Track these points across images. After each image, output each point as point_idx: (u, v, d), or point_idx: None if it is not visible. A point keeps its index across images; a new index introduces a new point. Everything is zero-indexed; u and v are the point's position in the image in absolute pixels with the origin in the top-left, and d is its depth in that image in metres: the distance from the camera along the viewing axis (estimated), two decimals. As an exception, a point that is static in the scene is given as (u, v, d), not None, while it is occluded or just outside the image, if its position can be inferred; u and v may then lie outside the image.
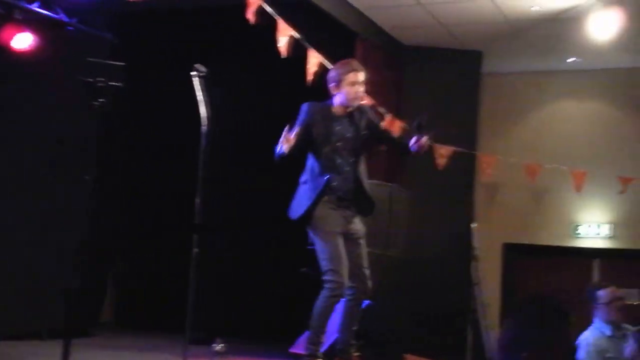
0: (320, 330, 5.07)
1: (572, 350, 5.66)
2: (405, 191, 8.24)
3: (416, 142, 4.99)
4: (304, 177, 5.15)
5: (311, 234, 5.11)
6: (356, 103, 5.14)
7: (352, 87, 5.07)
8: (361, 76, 5.11)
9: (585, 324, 5.95)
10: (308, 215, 5.04)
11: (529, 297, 9.21)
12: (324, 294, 4.98)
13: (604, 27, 7.54)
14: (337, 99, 5.13)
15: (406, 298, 8.02)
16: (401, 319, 7.80)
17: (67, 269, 6.46)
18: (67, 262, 6.68)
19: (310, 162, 5.13)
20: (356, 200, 5.14)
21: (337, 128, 5.09)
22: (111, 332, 8.59)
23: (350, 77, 5.06)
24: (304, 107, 5.13)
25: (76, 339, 4.56)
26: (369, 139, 5.22)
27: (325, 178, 5.01)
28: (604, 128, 9.76)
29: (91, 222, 5.23)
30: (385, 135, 5.45)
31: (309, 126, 5.04)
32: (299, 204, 5.10)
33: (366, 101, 5.36)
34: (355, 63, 5.22)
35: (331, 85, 5.15)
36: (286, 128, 4.84)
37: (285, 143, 4.81)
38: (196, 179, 4.69)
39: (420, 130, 4.97)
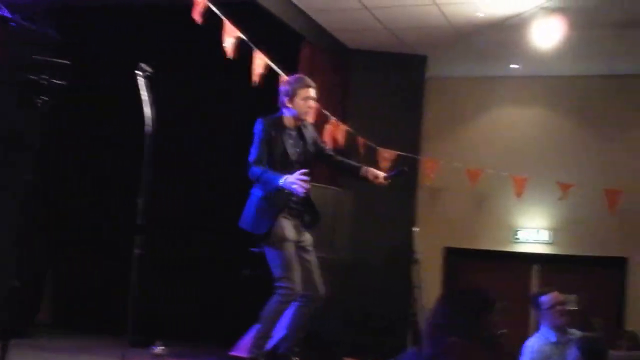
0: (267, 334, 5.10)
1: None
2: (349, 194, 8.25)
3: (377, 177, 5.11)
4: (260, 190, 5.13)
5: (264, 241, 5.12)
6: (307, 118, 5.27)
7: (304, 102, 5.18)
8: (313, 92, 5.23)
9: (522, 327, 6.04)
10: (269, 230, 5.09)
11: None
12: (276, 299, 5.03)
13: (546, 35, 7.66)
14: (288, 113, 5.21)
15: (348, 301, 8.03)
16: (342, 322, 7.81)
17: (3, 268, 6.30)
18: (3, 261, 6.51)
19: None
20: (306, 211, 5.27)
21: (290, 142, 5.20)
22: (49, 334, 8.40)
23: (304, 92, 5.17)
24: (260, 124, 5.17)
25: (13, 339, 4.45)
26: (313, 154, 5.35)
27: (286, 194, 5.04)
28: (545, 134, 9.94)
29: (28, 220, 5.12)
30: (325, 154, 5.55)
31: (268, 142, 5.11)
32: (260, 220, 5.11)
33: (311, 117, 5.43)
34: (308, 79, 5.31)
35: (284, 99, 5.22)
36: (301, 172, 4.93)
37: (301, 187, 4.87)
38: (139, 179, 4.62)
39: (394, 176, 5.09)
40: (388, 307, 8.59)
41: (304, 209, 5.25)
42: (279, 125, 5.18)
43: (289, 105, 5.18)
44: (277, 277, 5.03)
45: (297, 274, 5.03)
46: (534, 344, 5.60)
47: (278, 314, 5.06)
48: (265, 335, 5.10)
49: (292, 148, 5.18)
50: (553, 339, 5.53)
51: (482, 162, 9.32)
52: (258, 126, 5.16)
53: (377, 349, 7.80)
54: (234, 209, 5.42)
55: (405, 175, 5.31)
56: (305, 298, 5.12)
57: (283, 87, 5.32)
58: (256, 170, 5.01)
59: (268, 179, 5.00)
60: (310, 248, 5.26)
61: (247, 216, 5.17)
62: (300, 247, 5.17)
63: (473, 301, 2.69)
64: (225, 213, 5.30)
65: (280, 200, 5.08)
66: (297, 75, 5.47)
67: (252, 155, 5.08)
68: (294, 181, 4.87)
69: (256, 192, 5.17)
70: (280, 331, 5.29)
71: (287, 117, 5.21)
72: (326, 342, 6.95)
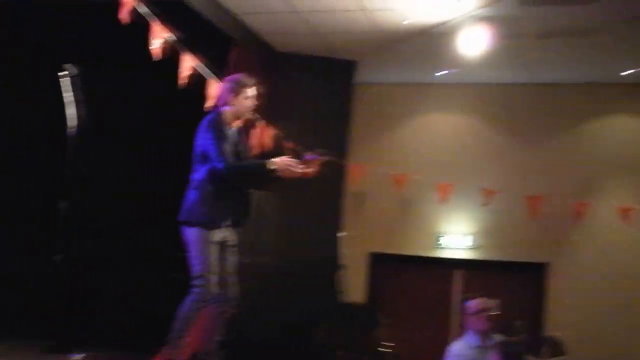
0: (181, 335, 5.00)
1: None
2: (275, 198, 8.21)
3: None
4: (205, 184, 5.05)
5: (189, 238, 5.03)
6: (247, 117, 5.27)
7: (246, 101, 5.16)
8: (255, 91, 5.23)
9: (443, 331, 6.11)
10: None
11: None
12: (190, 298, 4.95)
13: (472, 43, 7.78)
14: (229, 111, 5.16)
15: (273, 305, 7.99)
16: (267, 327, 7.77)
17: None
18: None
19: (207, 171, 5.06)
20: (239, 208, 5.19)
21: (230, 140, 5.12)
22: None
23: (246, 91, 5.17)
24: (211, 121, 5.10)
25: None
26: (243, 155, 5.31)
27: (230, 191, 5.02)
28: (470, 141, 10.10)
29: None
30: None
31: (219, 138, 5.02)
32: (200, 208, 5.00)
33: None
34: (250, 79, 5.28)
35: (225, 97, 5.17)
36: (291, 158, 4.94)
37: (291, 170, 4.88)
38: (63, 181, 4.50)
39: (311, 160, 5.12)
40: (313, 312, 8.56)
41: (238, 206, 5.17)
42: (220, 123, 5.12)
43: (231, 103, 5.15)
44: (194, 275, 4.94)
45: (214, 275, 4.96)
46: (456, 347, 5.68)
47: (192, 313, 4.96)
48: (179, 336, 5.01)
49: (231, 146, 5.12)
50: (476, 343, 5.62)
51: (408, 168, 9.40)
52: (209, 122, 5.09)
53: (303, 353, 7.79)
54: (165, 209, 5.32)
55: (327, 160, 5.22)
56: (219, 299, 5.04)
57: (225, 85, 5.28)
58: (226, 164, 4.92)
59: (250, 166, 5.03)
60: (234, 249, 5.17)
61: (188, 207, 5.07)
62: (224, 247, 5.08)
63: (360, 317, 2.70)
64: (151, 217, 5.19)
65: (225, 197, 5.02)
66: (240, 74, 5.40)
67: (214, 151, 4.97)
68: (284, 164, 4.87)
69: (197, 186, 5.09)
70: (197, 334, 5.20)
71: (228, 115, 5.16)
72: (251, 346, 6.90)
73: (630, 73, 9.08)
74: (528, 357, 6.90)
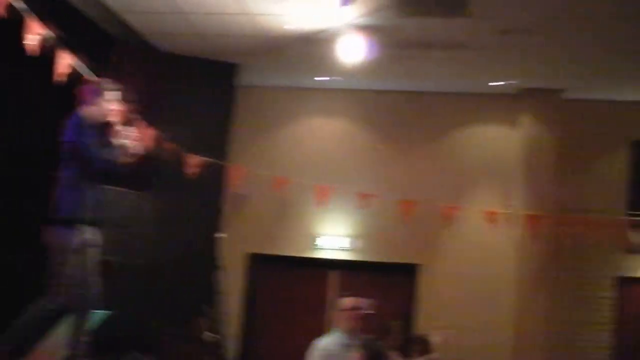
0: (25, 337, 4.93)
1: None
2: (153, 199, 8.16)
3: None
4: (77, 182, 5.02)
5: (54, 237, 4.97)
6: (108, 120, 5.27)
7: (107, 104, 5.23)
8: (116, 95, 5.31)
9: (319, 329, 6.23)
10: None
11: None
12: (43, 300, 4.94)
13: (353, 50, 7.93)
14: (89, 112, 5.17)
15: (149, 307, 7.95)
16: (143, 328, 7.72)
17: None
18: None
19: (74, 170, 5.05)
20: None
21: (95, 139, 5.12)
22: None
23: (107, 94, 5.24)
24: (77, 118, 5.09)
25: None
26: None
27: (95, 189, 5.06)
28: (349, 146, 10.33)
29: None
30: None
31: (81, 135, 5.03)
32: (73, 209, 4.97)
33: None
34: (113, 83, 5.35)
35: (89, 98, 5.20)
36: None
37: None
38: None
39: None
40: (191, 312, 8.55)
41: (101, 206, 5.17)
42: (88, 121, 5.12)
43: (92, 104, 5.19)
44: (52, 276, 4.92)
45: (70, 277, 4.92)
46: (323, 343, 5.76)
47: (44, 316, 4.94)
48: (17, 337, 4.93)
49: (97, 146, 5.13)
50: (342, 340, 5.71)
51: (288, 171, 9.51)
52: (75, 120, 5.09)
53: (179, 354, 7.79)
54: (34, 209, 5.23)
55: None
56: (76, 300, 4.98)
57: (89, 87, 5.32)
58: (92, 158, 4.96)
59: (108, 155, 5.04)
60: (95, 250, 5.11)
61: (55, 205, 5.02)
62: (86, 247, 5.04)
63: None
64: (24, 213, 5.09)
65: (89, 195, 5.02)
66: (102, 78, 5.49)
67: (80, 148, 4.98)
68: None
69: (63, 184, 5.05)
70: (64, 341, 5.14)
71: (93, 115, 5.16)
72: (126, 347, 6.84)
73: (498, 84, 9.55)
74: (396, 355, 7.14)
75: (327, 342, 5.78)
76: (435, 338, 7.76)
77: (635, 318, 9.69)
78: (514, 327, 9.40)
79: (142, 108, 8.19)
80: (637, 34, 7.68)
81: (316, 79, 9.76)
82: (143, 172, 8.41)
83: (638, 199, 9.79)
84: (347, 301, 5.92)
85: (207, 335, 7.79)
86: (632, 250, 9.61)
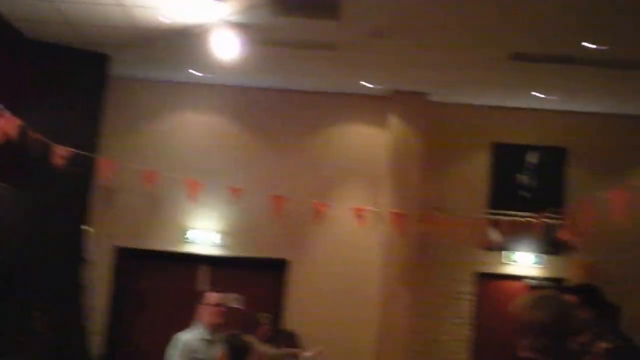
0: None
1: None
2: (17, 191, 7.94)
3: None
4: None
5: None
6: None
7: None
8: None
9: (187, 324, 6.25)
10: None
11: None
12: None
13: (227, 46, 7.96)
14: None
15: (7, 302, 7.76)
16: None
17: None
18: None
19: None
20: None
21: None
22: None
23: None
24: None
25: None
26: None
27: None
28: (221, 141, 10.36)
29: None
30: None
31: None
32: None
33: None
34: None
35: None
36: None
37: None
38: None
39: None
40: (56, 306, 8.39)
41: None
42: None
43: None
44: None
45: None
46: (184, 337, 5.77)
47: None
48: None
49: None
50: (204, 335, 5.74)
51: (160, 164, 9.44)
52: None
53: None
54: None
55: None
56: None
57: None
58: None
59: None
60: None
61: None
62: None
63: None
64: None
65: None
66: None
67: None
68: None
69: None
70: None
71: None
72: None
73: (368, 86, 9.82)
74: (264, 348, 7.23)
75: (188, 337, 5.79)
76: (306, 355, 7.87)
77: (492, 313, 10.13)
78: (379, 321, 9.69)
79: (7, 97, 7.97)
80: (495, 42, 8.09)
81: (190, 72, 9.74)
82: (6, 163, 8.23)
83: (497, 199, 10.26)
84: (211, 296, 5.95)
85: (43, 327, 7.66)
86: (490, 247, 10.06)
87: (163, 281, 10.20)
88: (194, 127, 10.43)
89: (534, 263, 10.22)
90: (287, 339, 8.50)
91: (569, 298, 2.79)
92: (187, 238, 10.14)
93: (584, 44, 7.81)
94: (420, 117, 10.06)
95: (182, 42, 8.54)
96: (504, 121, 10.43)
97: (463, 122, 10.40)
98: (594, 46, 7.83)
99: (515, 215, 9.73)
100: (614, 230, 8.98)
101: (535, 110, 10.35)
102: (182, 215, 10.12)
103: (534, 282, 10.14)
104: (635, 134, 10.33)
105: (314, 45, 8.54)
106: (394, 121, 10.08)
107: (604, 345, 3.98)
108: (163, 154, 10.09)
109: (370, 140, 10.34)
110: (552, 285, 9.89)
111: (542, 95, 9.73)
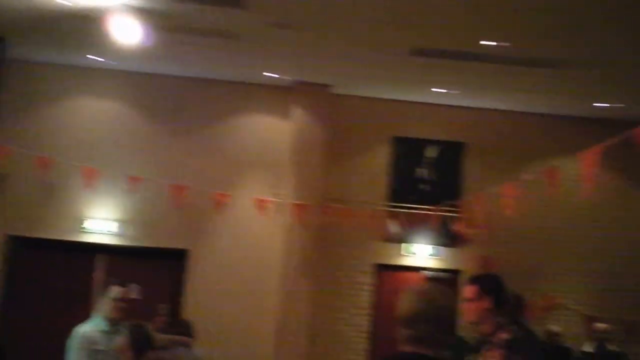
0: None
1: None
2: None
3: None
4: None
5: None
6: None
7: None
8: None
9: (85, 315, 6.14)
10: None
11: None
12: None
13: (128, 31, 7.80)
14: None
15: None
16: None
17: None
18: None
19: None
20: None
21: None
22: None
23: None
24: None
25: None
26: None
27: None
28: (120, 128, 10.16)
29: None
30: None
31: None
32: None
33: None
34: None
35: None
36: None
37: None
38: None
39: None
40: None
41: None
42: None
43: None
44: None
45: None
46: (84, 329, 5.70)
47: None
48: None
49: None
50: (104, 327, 5.68)
51: (55, 151, 9.22)
52: None
53: None
54: None
55: None
56: None
57: None
58: None
59: None
60: None
61: None
62: None
63: None
64: None
65: None
66: None
67: None
68: None
69: None
70: None
71: None
72: None
73: (271, 76, 9.82)
74: (157, 337, 7.15)
75: (87, 329, 5.72)
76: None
77: (390, 304, 10.27)
78: (280, 311, 9.73)
79: None
80: (395, 37, 8.20)
81: (89, 57, 9.51)
82: None
83: (397, 191, 10.43)
84: (113, 290, 5.87)
85: None
86: (389, 239, 10.22)
87: (59, 271, 9.96)
88: (93, 114, 10.19)
89: (432, 255, 10.43)
90: (180, 328, 8.44)
91: (446, 289, 2.84)
92: (84, 227, 9.91)
93: (482, 42, 8.00)
94: (322, 108, 10.13)
95: (81, 25, 8.33)
96: (404, 115, 10.61)
97: (365, 115, 10.52)
98: (494, 43, 8.02)
99: (414, 208, 9.92)
100: (508, 223, 9.23)
101: (435, 105, 10.56)
102: (79, 203, 9.89)
103: (431, 273, 10.36)
104: (530, 130, 10.67)
105: (217, 33, 8.47)
106: (297, 112, 10.12)
107: (504, 336, 4.08)
108: (60, 140, 9.84)
109: (273, 131, 10.34)
110: (449, 276, 10.14)
111: (443, 91, 9.92)
